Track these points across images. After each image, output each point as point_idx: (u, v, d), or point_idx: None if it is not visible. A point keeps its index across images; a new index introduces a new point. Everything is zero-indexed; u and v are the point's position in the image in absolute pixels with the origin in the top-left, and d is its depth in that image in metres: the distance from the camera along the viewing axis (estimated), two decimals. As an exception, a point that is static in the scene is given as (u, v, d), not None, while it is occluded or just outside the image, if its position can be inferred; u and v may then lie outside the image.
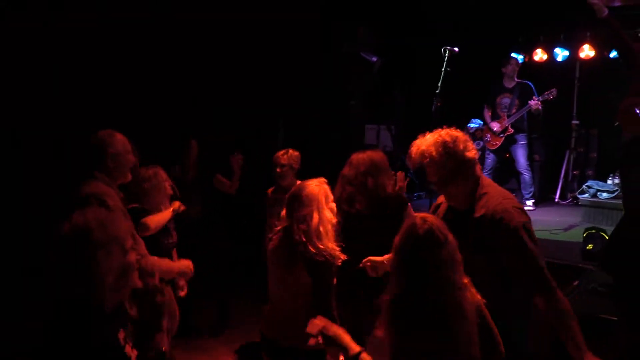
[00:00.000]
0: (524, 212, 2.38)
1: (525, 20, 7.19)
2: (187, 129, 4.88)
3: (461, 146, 2.38)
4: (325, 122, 5.65)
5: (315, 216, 2.68)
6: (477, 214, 2.36)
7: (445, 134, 2.43)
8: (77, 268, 1.70)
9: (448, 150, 2.37)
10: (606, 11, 4.07)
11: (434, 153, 2.38)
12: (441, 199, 2.65)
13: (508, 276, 2.33)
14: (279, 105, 5.98)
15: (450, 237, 1.97)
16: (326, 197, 2.78)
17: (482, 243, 2.32)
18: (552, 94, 6.28)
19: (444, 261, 1.92)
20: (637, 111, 4.13)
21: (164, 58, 5.10)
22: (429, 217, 2.00)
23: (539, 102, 6.30)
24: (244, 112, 5.68)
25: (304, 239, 2.64)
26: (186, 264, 3.24)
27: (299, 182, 3.96)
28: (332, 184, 3.22)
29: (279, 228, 2.84)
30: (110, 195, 2.84)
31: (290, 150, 4.27)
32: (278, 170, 4.20)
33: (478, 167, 2.45)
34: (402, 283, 1.97)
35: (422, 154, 2.41)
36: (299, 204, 2.72)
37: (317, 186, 2.77)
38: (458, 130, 2.48)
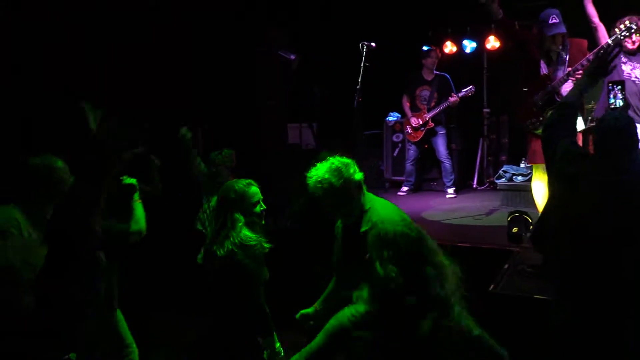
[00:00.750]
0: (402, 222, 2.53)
1: (434, 14, 7.41)
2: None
3: (352, 170, 2.59)
4: (246, 124, 5.50)
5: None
6: (363, 228, 2.57)
7: (337, 161, 2.60)
8: None
9: (343, 176, 2.55)
10: (501, 13, 4.35)
11: (332, 180, 2.55)
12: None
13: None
14: (196, 111, 5.78)
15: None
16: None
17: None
18: (470, 91, 6.54)
19: None
20: (532, 102, 4.38)
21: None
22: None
23: (458, 99, 6.51)
24: (158, 121, 5.42)
25: None
26: None
27: None
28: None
29: None
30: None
31: (225, 150, 4.46)
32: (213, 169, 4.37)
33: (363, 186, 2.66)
34: None
35: (321, 183, 2.57)
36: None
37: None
38: (344, 155, 2.67)
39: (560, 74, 4.30)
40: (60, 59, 4.74)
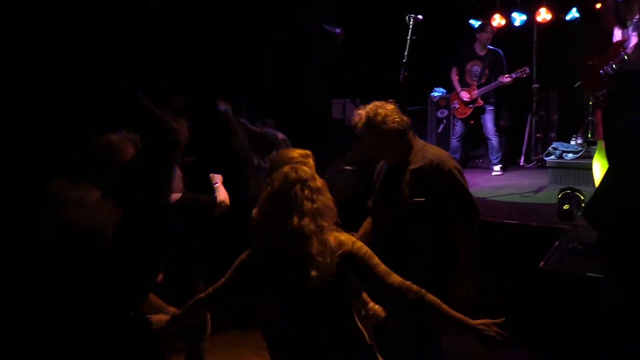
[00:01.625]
0: (454, 158, 2.98)
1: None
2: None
3: (379, 119, 2.80)
4: (290, 99, 5.50)
5: None
6: (415, 166, 2.83)
7: (371, 108, 2.86)
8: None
9: (370, 124, 2.82)
10: None
11: (359, 125, 2.85)
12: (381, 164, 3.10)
13: (442, 217, 2.81)
14: (239, 87, 5.80)
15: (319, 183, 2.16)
16: None
17: (419, 189, 2.79)
18: (524, 72, 6.33)
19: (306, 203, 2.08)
20: (601, 72, 4.19)
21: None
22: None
23: (511, 80, 6.33)
24: (200, 96, 5.47)
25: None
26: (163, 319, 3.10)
27: None
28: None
29: None
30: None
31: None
32: None
33: (408, 134, 2.88)
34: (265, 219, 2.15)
35: (355, 124, 2.88)
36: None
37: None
38: (388, 102, 2.90)
39: (634, 40, 4.08)
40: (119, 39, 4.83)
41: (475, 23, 7.15)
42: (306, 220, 2.03)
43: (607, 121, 2.61)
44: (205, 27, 5.27)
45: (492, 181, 6.37)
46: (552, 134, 7.30)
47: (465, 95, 6.58)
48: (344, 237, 2.14)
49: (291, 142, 4.69)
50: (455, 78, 6.71)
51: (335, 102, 6.20)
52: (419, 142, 2.95)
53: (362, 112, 2.88)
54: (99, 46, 4.68)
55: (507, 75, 6.37)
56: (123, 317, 1.76)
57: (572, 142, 6.47)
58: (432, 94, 7.40)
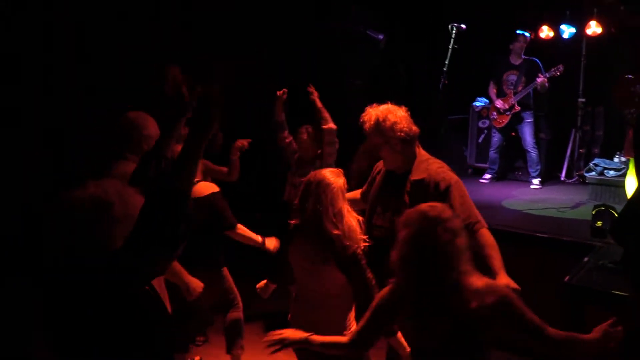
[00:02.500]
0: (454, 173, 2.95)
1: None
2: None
3: (387, 124, 2.82)
4: (329, 104, 5.59)
5: (345, 210, 2.63)
6: (416, 177, 2.87)
7: (382, 111, 2.86)
8: (90, 243, 1.61)
9: (377, 127, 2.84)
10: None
11: (366, 125, 2.89)
12: (381, 164, 3.11)
13: None
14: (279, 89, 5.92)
15: (458, 223, 2.02)
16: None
17: (419, 200, 2.57)
18: (558, 70, 6.24)
19: (449, 245, 1.96)
20: (633, 90, 4.13)
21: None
22: (438, 204, 2.08)
23: (546, 79, 6.25)
24: (239, 99, 5.62)
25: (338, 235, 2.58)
26: (200, 285, 3.30)
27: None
28: (341, 165, 3.20)
29: (295, 222, 2.75)
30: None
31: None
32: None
33: (414, 144, 2.91)
34: (409, 268, 2.01)
35: (362, 122, 2.91)
36: (327, 194, 2.62)
37: (338, 177, 2.69)
38: (400, 107, 2.90)
39: None
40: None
41: (525, 33, 7.07)
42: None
43: (637, 140, 2.60)
44: (247, 34, 5.42)
45: (529, 194, 6.30)
46: (596, 150, 7.13)
47: (500, 104, 6.54)
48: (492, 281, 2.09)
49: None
50: (492, 91, 6.68)
51: (374, 107, 6.26)
52: (423, 154, 2.97)
53: (372, 113, 2.89)
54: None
55: (540, 75, 6.28)
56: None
57: (615, 159, 6.31)
58: (474, 103, 7.37)
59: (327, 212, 2.59)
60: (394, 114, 2.86)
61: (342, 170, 2.79)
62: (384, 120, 2.83)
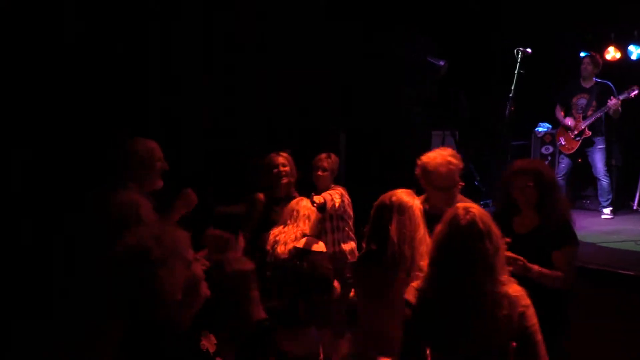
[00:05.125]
0: None
1: (596, 16, 6.81)
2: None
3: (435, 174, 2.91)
4: (389, 131, 5.47)
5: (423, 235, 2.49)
6: None
7: (435, 159, 2.93)
8: (141, 291, 1.58)
9: (425, 171, 2.94)
10: None
11: (419, 169, 2.99)
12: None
13: None
14: (338, 116, 5.85)
15: (494, 228, 1.98)
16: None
17: None
18: (632, 92, 5.90)
19: (486, 253, 1.92)
20: None
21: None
22: (472, 207, 2.03)
23: (619, 102, 5.90)
24: (300, 125, 5.56)
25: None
26: None
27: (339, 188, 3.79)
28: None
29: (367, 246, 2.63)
30: (142, 206, 2.70)
31: (332, 155, 4.13)
32: (319, 173, 3.95)
33: (459, 186, 2.99)
34: (441, 275, 1.98)
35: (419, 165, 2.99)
36: (406, 218, 2.51)
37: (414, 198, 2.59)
38: (456, 157, 2.99)
39: None
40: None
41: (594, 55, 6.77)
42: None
43: None
44: (303, 60, 5.39)
45: (601, 225, 5.92)
46: (672, 177, 6.69)
47: (572, 121, 6.20)
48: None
49: (389, 174, 4.61)
50: (560, 115, 6.36)
51: (435, 133, 6.09)
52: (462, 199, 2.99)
53: (427, 159, 2.96)
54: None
55: (612, 98, 5.93)
56: None
57: (695, 187, 5.89)
58: (536, 129, 7.05)
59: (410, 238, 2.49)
60: (446, 167, 2.97)
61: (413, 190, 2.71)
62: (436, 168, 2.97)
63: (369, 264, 2.63)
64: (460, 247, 1.94)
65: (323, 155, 4.05)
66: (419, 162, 2.98)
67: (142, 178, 2.82)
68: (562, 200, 2.92)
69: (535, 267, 2.64)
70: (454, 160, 2.93)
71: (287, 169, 3.80)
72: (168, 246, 1.61)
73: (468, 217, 1.95)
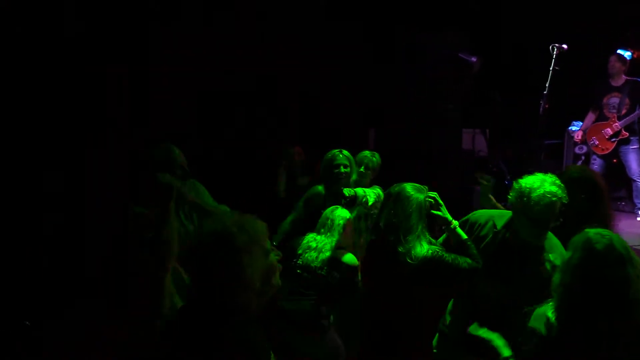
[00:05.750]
0: None
1: (635, 11, 6.62)
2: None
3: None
4: (421, 128, 5.40)
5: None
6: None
7: (555, 184, 2.45)
8: (226, 275, 1.61)
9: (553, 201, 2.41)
10: None
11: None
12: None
13: None
14: (369, 113, 5.82)
15: (632, 253, 1.79)
16: None
17: None
18: None
19: (629, 280, 1.72)
20: None
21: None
22: (606, 230, 1.85)
23: None
24: (331, 120, 5.55)
25: None
26: None
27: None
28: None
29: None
30: None
31: (376, 154, 4.14)
32: (361, 170, 3.93)
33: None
34: (571, 306, 1.79)
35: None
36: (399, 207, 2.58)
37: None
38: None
39: None
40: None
41: (624, 53, 6.58)
42: None
43: None
44: (333, 59, 5.38)
45: (637, 227, 5.76)
46: None
47: (606, 129, 6.05)
48: None
49: (418, 173, 4.55)
50: (590, 119, 6.22)
51: (465, 131, 6.00)
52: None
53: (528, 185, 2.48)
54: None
55: None
56: None
57: None
58: (570, 127, 6.89)
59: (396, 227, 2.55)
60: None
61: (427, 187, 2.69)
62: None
63: (373, 254, 2.68)
64: (596, 275, 1.79)
65: (367, 153, 4.06)
66: (516, 184, 2.53)
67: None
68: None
69: None
70: (559, 193, 2.43)
71: (348, 170, 3.68)
72: (250, 234, 1.65)
73: (605, 241, 1.83)
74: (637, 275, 1.77)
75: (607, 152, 6.11)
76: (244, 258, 1.60)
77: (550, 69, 4.72)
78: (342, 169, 3.63)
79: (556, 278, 1.89)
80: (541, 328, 1.90)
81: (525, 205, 2.42)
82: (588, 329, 1.77)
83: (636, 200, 6.12)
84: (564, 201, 2.41)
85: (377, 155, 4.10)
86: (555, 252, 2.50)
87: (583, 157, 6.79)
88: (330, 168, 3.66)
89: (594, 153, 6.28)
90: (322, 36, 5.49)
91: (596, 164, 6.28)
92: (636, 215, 6.09)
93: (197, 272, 1.66)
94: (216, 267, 1.61)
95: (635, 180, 6.05)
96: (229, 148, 5.21)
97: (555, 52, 4.76)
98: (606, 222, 2.62)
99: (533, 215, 2.41)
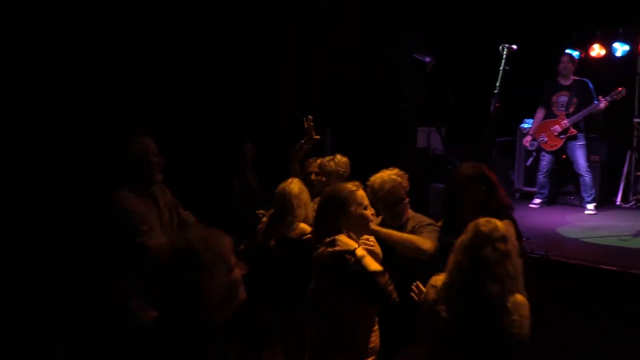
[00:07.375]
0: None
1: (580, 13, 6.86)
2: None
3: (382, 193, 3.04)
4: (376, 127, 5.46)
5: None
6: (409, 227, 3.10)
7: (394, 173, 3.10)
8: (185, 292, 1.61)
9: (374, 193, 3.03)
10: None
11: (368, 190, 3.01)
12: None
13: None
14: (324, 109, 5.82)
15: (512, 237, 2.16)
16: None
17: None
18: (620, 94, 5.97)
19: (509, 254, 2.09)
20: None
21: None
22: (493, 219, 2.19)
23: (607, 104, 5.99)
24: (287, 116, 5.53)
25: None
26: None
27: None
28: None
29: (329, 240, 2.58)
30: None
31: (338, 156, 3.94)
32: (323, 179, 3.82)
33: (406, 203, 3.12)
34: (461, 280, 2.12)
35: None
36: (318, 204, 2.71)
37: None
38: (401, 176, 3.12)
39: None
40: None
41: (573, 53, 6.82)
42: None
43: None
44: (292, 54, 5.37)
45: (585, 220, 5.99)
46: (655, 173, 6.76)
47: (555, 127, 6.27)
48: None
49: (373, 170, 4.60)
50: (538, 117, 6.45)
51: (420, 130, 6.09)
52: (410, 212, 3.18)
53: (374, 178, 3.09)
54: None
55: (601, 98, 6.01)
56: None
57: (677, 183, 5.97)
58: (521, 125, 7.10)
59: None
60: (390, 183, 3.12)
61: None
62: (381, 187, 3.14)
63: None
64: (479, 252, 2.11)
65: (327, 159, 3.94)
66: (367, 183, 3.06)
67: (140, 174, 2.97)
68: None
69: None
70: (398, 178, 3.07)
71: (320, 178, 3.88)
72: (214, 250, 1.65)
73: (491, 225, 2.14)
74: (515, 253, 2.12)
75: (555, 148, 6.33)
76: (205, 275, 1.60)
77: (501, 68, 4.82)
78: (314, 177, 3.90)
79: (450, 258, 2.20)
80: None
81: (376, 193, 3.01)
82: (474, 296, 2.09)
83: (584, 194, 6.34)
84: (403, 185, 3.05)
85: (339, 157, 3.93)
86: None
87: (534, 154, 7.01)
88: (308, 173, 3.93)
89: (543, 149, 6.50)
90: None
91: (545, 160, 6.50)
92: (584, 209, 6.32)
93: (158, 288, 1.66)
94: (176, 285, 1.61)
95: (582, 175, 6.28)
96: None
97: (505, 52, 4.87)
98: (502, 210, 2.90)
99: (384, 199, 3.01)
